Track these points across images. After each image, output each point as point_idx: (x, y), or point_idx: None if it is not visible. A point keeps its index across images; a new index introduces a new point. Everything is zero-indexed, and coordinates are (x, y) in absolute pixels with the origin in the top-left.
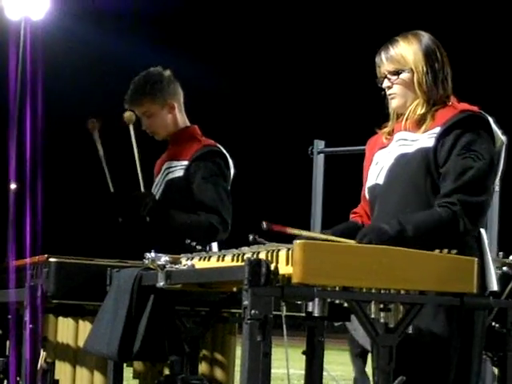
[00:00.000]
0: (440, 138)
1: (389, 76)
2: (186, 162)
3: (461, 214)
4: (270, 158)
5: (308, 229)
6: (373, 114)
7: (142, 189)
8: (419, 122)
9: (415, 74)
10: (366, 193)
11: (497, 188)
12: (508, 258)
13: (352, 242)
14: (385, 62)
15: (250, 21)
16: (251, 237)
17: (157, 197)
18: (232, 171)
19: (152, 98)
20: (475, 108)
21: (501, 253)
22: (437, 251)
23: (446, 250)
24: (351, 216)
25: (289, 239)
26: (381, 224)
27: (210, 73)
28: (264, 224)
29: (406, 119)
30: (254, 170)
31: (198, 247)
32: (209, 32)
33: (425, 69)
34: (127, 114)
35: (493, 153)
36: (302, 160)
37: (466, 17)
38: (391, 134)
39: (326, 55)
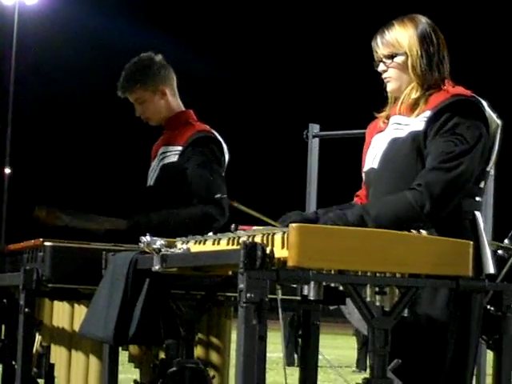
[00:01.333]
0: (430, 121)
1: (384, 60)
2: (180, 148)
3: (425, 196)
4: (265, 142)
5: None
6: (368, 98)
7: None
8: (413, 106)
9: (409, 58)
10: (363, 177)
11: (492, 172)
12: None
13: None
14: (380, 45)
15: (245, 4)
16: (233, 226)
17: (152, 182)
18: (226, 156)
19: (143, 85)
20: (468, 92)
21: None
22: (404, 232)
23: (414, 231)
24: (355, 199)
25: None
26: (345, 210)
27: (204, 57)
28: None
29: (401, 103)
30: (249, 155)
31: None
32: (203, 16)
33: (419, 52)
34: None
35: (478, 139)
36: (297, 144)
37: (464, 2)
38: (389, 117)
39: (321, 39)
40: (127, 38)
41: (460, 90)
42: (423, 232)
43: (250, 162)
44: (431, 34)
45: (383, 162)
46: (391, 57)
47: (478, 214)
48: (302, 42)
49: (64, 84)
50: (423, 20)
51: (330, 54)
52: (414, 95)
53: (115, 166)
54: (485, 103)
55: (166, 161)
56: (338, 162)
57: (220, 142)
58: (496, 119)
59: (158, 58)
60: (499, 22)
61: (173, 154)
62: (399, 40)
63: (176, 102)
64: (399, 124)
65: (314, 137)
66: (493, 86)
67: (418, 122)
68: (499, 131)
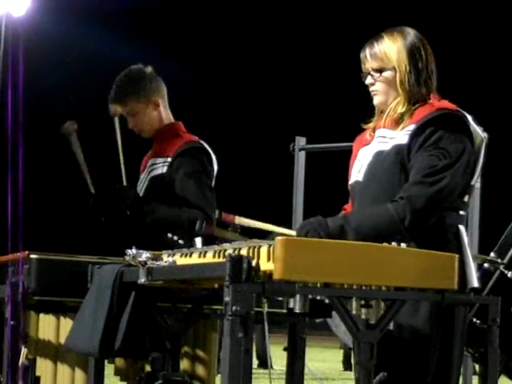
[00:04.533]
0: (414, 135)
1: (372, 73)
2: (169, 159)
3: (407, 209)
4: (252, 154)
5: (290, 226)
6: (354, 111)
7: (125, 183)
8: (398, 120)
9: (398, 73)
10: (349, 189)
11: (477, 185)
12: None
13: (288, 231)
14: (369, 58)
15: (232, 17)
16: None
17: (141, 194)
18: (215, 167)
19: (136, 97)
20: (453, 106)
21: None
22: (385, 244)
23: (394, 243)
24: (342, 212)
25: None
26: (327, 218)
27: (191, 69)
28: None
29: (387, 116)
30: (236, 167)
31: (180, 242)
32: (191, 28)
33: (408, 68)
34: (113, 107)
35: (462, 153)
36: (284, 157)
37: (452, 13)
38: (375, 130)
39: (308, 52)
40: (115, 50)
41: (445, 103)
42: (403, 245)
43: (236, 174)
44: (420, 49)
45: (368, 174)
46: (379, 71)
47: (461, 227)
48: (289, 56)
49: (52, 96)
50: (412, 33)
51: (317, 68)
52: (400, 110)
53: (105, 178)
54: (469, 117)
55: (155, 172)
56: (324, 175)
57: (209, 152)
58: (481, 133)
59: (149, 69)
60: (485, 36)
61: (161, 165)
62: (388, 54)
63: (167, 114)
64: (384, 137)
65: (300, 150)
66: (479, 100)
67: (402, 136)
68: (484, 145)
